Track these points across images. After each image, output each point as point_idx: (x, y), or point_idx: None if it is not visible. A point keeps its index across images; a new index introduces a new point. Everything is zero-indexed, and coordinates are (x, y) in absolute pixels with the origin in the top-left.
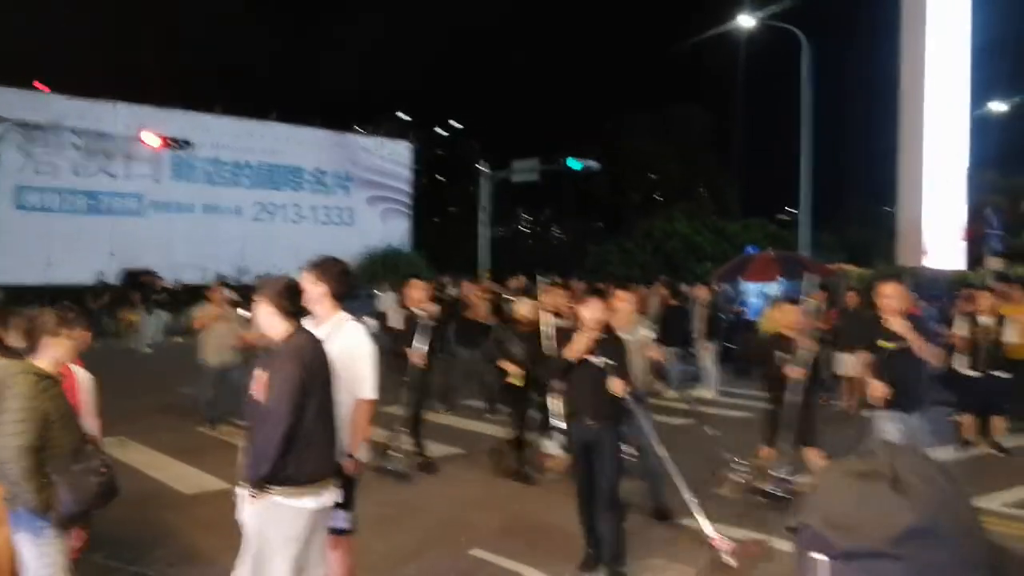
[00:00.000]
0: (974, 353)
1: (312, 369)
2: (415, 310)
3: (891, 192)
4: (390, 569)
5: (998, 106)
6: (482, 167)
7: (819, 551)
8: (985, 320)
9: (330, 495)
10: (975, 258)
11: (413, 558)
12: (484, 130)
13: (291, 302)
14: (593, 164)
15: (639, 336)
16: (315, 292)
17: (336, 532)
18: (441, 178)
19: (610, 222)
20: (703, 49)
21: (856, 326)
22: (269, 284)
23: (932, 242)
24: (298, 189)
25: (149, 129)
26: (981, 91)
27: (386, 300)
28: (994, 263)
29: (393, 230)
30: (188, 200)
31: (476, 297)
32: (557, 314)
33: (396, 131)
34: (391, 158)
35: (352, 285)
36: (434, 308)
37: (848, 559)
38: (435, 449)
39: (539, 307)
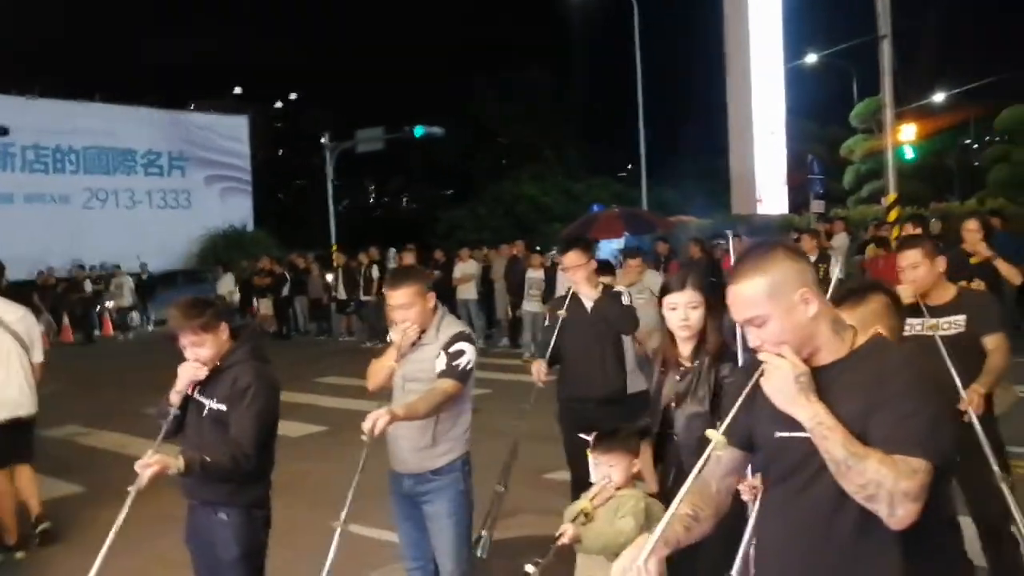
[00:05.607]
0: None
1: None
2: None
3: (725, 145)
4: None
5: (812, 59)
6: (325, 139)
7: None
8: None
9: None
10: (797, 203)
11: (282, 535)
12: (327, 102)
13: None
14: (436, 130)
15: None
16: None
17: None
18: (282, 152)
19: (460, 188)
20: (542, 12)
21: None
22: None
23: (763, 190)
24: (131, 173)
25: None
26: (795, 46)
27: (224, 283)
28: (817, 206)
29: (235, 209)
30: (6, 190)
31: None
32: None
33: (233, 106)
34: (228, 134)
35: None
36: None
37: None
38: (295, 428)
39: None
